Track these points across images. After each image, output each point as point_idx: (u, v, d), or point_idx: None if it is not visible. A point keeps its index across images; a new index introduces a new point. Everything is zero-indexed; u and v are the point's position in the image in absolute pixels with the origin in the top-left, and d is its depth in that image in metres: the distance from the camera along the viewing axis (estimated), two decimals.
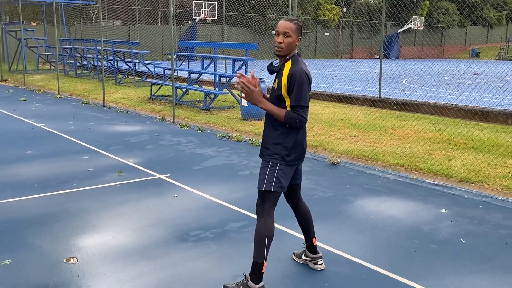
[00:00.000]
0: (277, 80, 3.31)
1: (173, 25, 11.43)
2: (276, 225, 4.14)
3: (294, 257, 3.92)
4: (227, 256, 3.96)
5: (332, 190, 5.74)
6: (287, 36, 3.23)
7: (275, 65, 3.37)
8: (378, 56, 44.28)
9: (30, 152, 7.52)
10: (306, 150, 3.45)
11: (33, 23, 35.70)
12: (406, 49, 50.91)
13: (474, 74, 24.72)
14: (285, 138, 3.28)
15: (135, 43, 18.51)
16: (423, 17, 47.71)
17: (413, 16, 45.76)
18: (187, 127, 9.83)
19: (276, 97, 3.29)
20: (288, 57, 3.30)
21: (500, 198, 5.54)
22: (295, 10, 9.61)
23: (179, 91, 14.49)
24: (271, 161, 3.30)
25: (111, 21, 42.11)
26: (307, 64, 3.47)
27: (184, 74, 18.11)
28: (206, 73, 13.49)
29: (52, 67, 25.58)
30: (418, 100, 12.46)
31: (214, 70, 13.65)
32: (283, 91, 3.23)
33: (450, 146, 7.91)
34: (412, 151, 7.54)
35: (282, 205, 3.99)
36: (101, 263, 3.81)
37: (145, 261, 3.86)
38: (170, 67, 13.96)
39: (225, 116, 11.20)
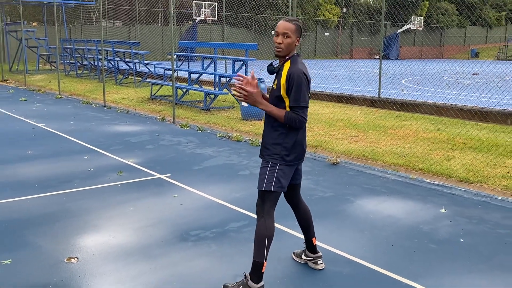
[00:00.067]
0: (276, 81, 3.32)
1: (173, 25, 11.45)
2: (276, 225, 4.16)
3: (294, 256, 3.94)
4: (227, 256, 3.97)
5: (332, 190, 5.76)
6: (286, 36, 3.24)
7: (275, 66, 3.38)
8: (377, 56, 44.28)
9: (30, 152, 7.53)
10: (306, 150, 3.47)
11: (33, 24, 35.75)
12: (405, 49, 50.93)
13: (474, 74, 24.74)
14: (284, 138, 3.29)
15: (136, 44, 18.52)
16: (422, 18, 47.73)
17: (412, 17, 45.78)
18: (187, 127, 9.85)
19: (275, 98, 3.30)
20: (287, 57, 3.31)
21: (499, 198, 5.55)
22: (295, 10, 9.63)
23: (179, 91, 14.50)
24: (271, 161, 3.31)
25: (112, 21, 42.13)
26: (307, 64, 3.49)
27: (184, 74, 18.12)
28: (206, 73, 13.51)
29: (53, 67, 25.60)
30: (417, 100, 12.47)
31: (214, 70, 13.67)
32: (282, 92, 3.25)
33: (449, 146, 7.92)
34: (412, 151, 7.56)
35: (282, 205, 4.00)
36: (101, 262, 3.83)
37: (146, 260, 3.88)
38: (170, 67, 13.97)
39: (225, 116, 11.22)
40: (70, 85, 18.08)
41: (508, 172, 6.41)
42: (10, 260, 3.85)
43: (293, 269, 3.78)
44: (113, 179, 6.10)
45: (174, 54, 12.20)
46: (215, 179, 6.18)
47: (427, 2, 50.18)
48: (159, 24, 43.13)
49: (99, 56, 19.28)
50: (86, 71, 21.93)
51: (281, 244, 4.15)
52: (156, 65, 17.23)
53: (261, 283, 3.35)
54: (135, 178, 6.18)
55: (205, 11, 35.38)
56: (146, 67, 18.30)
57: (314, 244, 3.77)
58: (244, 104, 10.59)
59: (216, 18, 35.41)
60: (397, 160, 7.08)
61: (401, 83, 19.46)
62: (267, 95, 3.45)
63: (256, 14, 41.02)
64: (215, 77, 13.41)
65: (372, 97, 13.22)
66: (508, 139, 8.39)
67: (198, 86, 13.77)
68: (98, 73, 20.29)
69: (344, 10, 48.24)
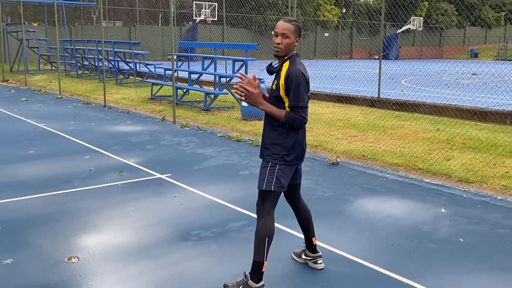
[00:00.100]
0: (275, 81, 3.33)
1: (173, 25, 11.45)
2: (276, 224, 4.16)
3: (294, 256, 3.95)
4: (228, 255, 3.98)
5: (332, 190, 5.77)
6: (285, 37, 3.25)
7: (274, 66, 3.39)
8: (377, 57, 44.30)
9: (31, 152, 7.54)
10: (306, 150, 3.48)
11: (34, 24, 35.78)
12: (405, 49, 50.94)
13: (473, 74, 24.75)
14: (284, 138, 3.30)
15: (136, 44, 18.54)
16: (422, 18, 47.78)
17: (412, 17, 45.82)
18: (188, 127, 9.86)
19: (274, 98, 3.31)
20: (286, 58, 3.32)
21: (499, 197, 5.56)
22: (295, 11, 9.64)
23: (179, 91, 14.51)
24: (271, 161, 3.32)
25: (112, 21, 42.15)
26: (306, 64, 3.50)
27: (185, 75, 18.14)
28: (207, 73, 13.52)
29: (53, 68, 25.60)
30: (417, 100, 12.48)
31: (214, 71, 13.68)
32: (281, 92, 3.26)
33: (449, 146, 7.93)
34: (411, 151, 7.57)
35: (282, 204, 4.01)
36: (102, 262, 3.84)
37: (146, 260, 3.89)
38: (170, 67, 13.98)
39: (225, 116, 11.23)
40: (71, 85, 18.09)
41: (507, 172, 6.42)
42: (11, 260, 3.86)
43: (293, 269, 3.78)
44: (114, 179, 6.11)
45: (175, 54, 12.21)
46: (215, 179, 6.19)
47: (427, 3, 50.20)
48: (160, 25, 43.16)
49: (100, 56, 19.29)
50: (86, 71, 21.95)
51: (281, 244, 4.16)
52: (156, 65, 17.24)
53: (261, 283, 3.36)
54: (135, 178, 6.19)
55: (205, 11, 35.41)
56: (147, 67, 18.31)
57: (314, 243, 3.78)
58: (244, 104, 10.61)
59: (216, 19, 35.44)
60: (396, 160, 7.09)
61: (400, 83, 19.47)
62: (267, 95, 3.46)
63: (256, 14, 41.04)
64: (215, 77, 13.42)
65: (372, 97, 13.23)
66: (508, 139, 8.40)
67: (198, 86, 13.77)
68: (98, 73, 20.30)
69: (344, 10, 48.27)
